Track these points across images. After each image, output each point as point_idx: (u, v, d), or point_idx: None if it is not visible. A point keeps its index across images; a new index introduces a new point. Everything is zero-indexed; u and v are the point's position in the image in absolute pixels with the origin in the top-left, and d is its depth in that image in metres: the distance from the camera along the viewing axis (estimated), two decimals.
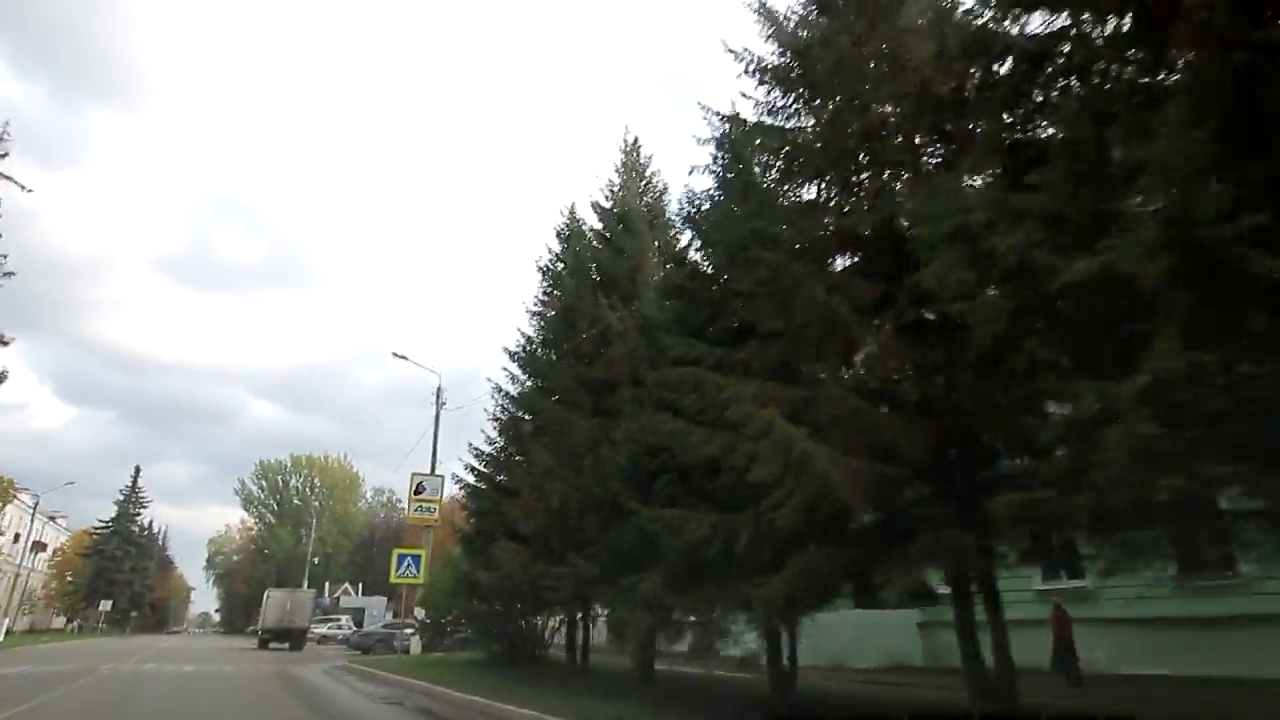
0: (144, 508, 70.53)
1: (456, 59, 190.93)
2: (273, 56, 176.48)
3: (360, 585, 60.95)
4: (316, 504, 70.60)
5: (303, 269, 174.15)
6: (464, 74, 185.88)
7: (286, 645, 32.67)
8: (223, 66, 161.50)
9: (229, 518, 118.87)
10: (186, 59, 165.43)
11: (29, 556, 65.83)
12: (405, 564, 19.39)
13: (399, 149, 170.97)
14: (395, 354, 24.76)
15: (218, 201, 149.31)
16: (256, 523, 72.59)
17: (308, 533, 69.14)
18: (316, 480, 73.10)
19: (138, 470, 70.49)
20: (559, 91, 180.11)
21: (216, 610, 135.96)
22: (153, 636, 61.60)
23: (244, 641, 46.36)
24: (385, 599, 57.46)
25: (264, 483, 72.73)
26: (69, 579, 63.39)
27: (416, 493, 19.91)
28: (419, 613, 22.14)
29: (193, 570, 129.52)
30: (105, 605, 56.35)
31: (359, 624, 43.47)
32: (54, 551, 68.32)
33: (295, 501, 72.25)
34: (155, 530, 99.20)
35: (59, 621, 66.31)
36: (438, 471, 21.35)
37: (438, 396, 23.21)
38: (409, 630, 22.57)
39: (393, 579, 19.96)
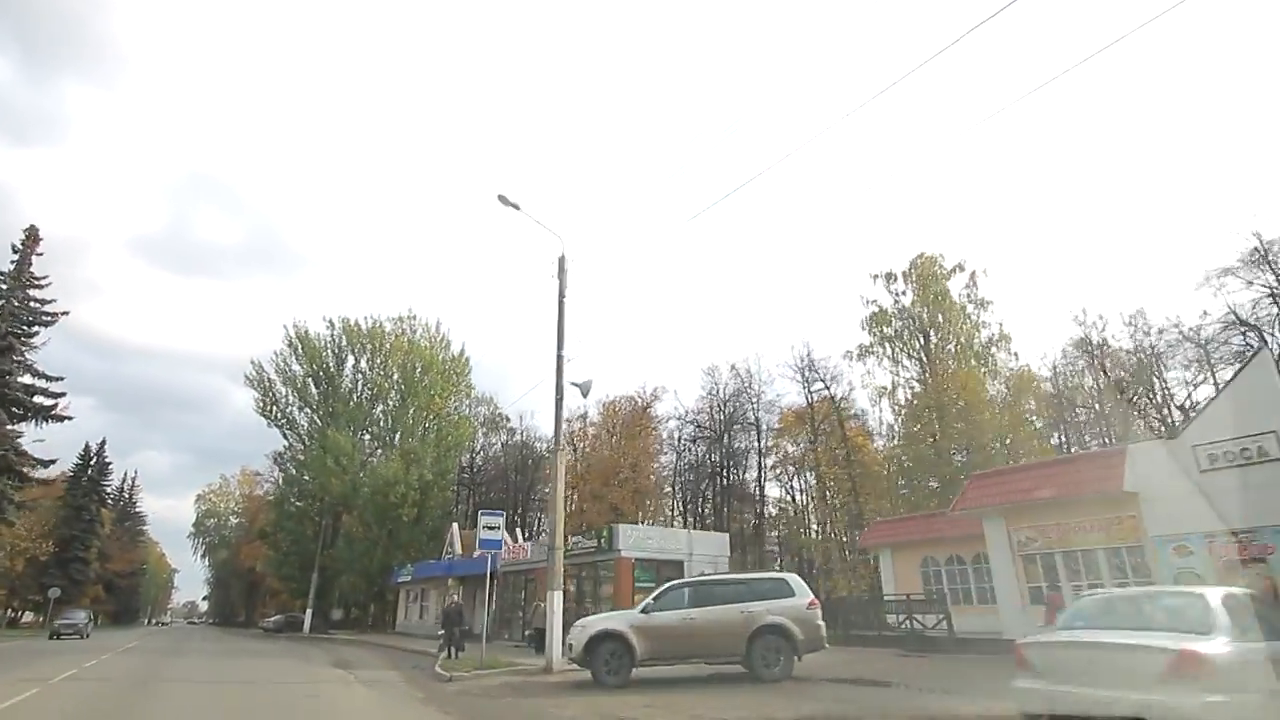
0: (38, 326, 35.57)
1: (440, 39, 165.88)
2: (252, 27, 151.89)
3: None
4: (395, 380, 38.38)
5: (285, 253, 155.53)
6: (454, 58, 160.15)
7: None
8: (202, 39, 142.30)
9: None
10: (164, 30, 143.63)
11: None
12: None
13: (386, 128, 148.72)
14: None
15: (196, 180, 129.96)
16: (288, 432, 39.79)
17: (390, 442, 36.90)
18: (394, 370, 40.13)
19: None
20: (552, 81, 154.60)
21: (204, 598, 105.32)
22: (34, 644, 29.72)
23: (297, 662, 14.16)
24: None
25: (297, 367, 40.04)
26: None
27: None
28: None
29: (176, 557, 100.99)
30: None
31: None
32: None
33: (356, 397, 39.67)
34: (115, 473, 65.52)
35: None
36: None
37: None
38: None
39: None
